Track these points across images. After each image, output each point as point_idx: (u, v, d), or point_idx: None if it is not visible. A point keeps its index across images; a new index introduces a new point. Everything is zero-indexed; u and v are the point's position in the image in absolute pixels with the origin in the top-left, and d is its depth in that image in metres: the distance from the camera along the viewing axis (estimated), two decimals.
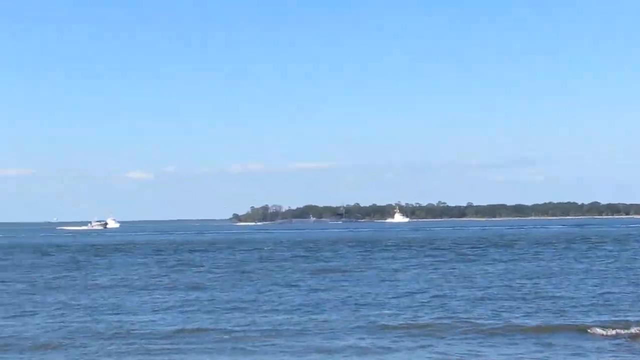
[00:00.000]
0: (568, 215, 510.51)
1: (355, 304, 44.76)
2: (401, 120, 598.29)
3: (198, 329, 36.46)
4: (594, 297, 46.17)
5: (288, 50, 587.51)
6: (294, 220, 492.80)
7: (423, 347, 31.89)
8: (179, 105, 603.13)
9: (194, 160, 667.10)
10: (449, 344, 32.36)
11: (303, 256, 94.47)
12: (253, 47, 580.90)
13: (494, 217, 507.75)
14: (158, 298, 49.91)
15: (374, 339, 33.29)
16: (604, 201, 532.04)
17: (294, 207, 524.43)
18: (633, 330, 33.49)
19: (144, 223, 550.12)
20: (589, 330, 34.31)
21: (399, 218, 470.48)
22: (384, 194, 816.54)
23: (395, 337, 34.02)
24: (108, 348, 32.31)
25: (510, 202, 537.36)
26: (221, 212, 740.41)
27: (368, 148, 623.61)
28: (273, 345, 32.40)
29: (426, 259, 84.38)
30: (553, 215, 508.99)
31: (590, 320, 37.30)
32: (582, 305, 42.51)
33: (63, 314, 43.00)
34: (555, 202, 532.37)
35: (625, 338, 32.49)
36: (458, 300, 45.67)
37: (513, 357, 29.79)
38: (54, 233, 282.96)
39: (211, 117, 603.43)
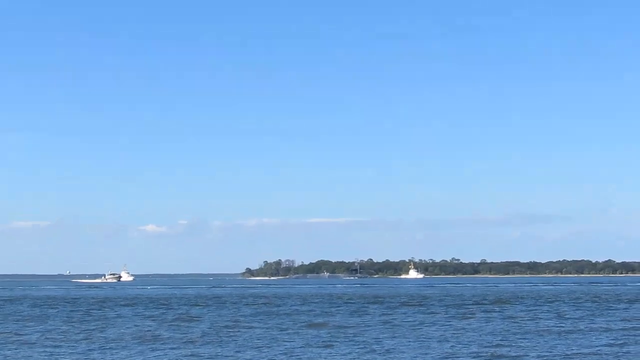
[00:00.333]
0: (582, 273, 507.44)
1: None
2: (415, 177, 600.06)
3: None
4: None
5: (306, 106, 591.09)
6: (308, 275, 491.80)
7: None
8: (193, 158, 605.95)
9: (208, 213, 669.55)
10: None
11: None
12: (272, 100, 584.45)
13: (508, 274, 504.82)
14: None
15: None
16: (618, 259, 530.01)
17: (306, 262, 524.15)
18: None
19: (157, 277, 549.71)
20: None
21: (413, 274, 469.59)
22: (396, 250, 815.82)
23: None
24: None
25: (524, 259, 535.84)
26: (234, 266, 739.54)
27: (381, 204, 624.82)
28: None
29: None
30: (567, 273, 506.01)
31: None
32: None
33: None
34: (569, 259, 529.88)
35: None
36: None
37: None
38: (67, 285, 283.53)
39: (227, 171, 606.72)
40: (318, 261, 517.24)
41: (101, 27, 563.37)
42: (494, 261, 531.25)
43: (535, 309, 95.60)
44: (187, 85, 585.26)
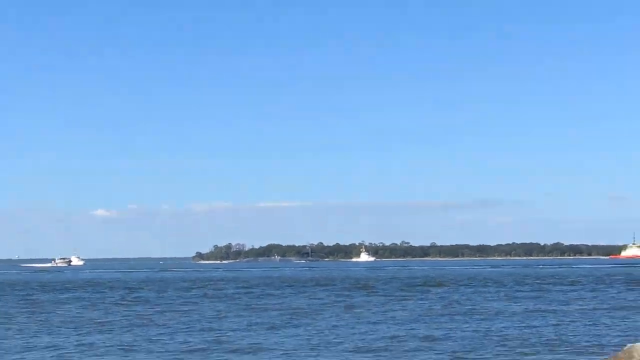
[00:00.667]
0: (531, 255, 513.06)
1: None
2: (364, 162, 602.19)
3: None
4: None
5: (255, 89, 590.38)
6: (259, 259, 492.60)
7: None
8: (143, 143, 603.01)
9: (157, 198, 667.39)
10: None
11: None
12: (218, 80, 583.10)
13: (457, 257, 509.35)
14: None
15: None
16: (566, 242, 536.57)
17: (257, 246, 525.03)
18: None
19: (107, 261, 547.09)
20: None
21: (365, 257, 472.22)
22: (347, 234, 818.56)
23: None
24: None
25: (474, 242, 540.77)
26: (184, 250, 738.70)
27: (331, 188, 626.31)
28: None
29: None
30: (516, 256, 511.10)
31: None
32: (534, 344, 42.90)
33: None
34: (518, 242, 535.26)
35: None
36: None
37: None
38: (17, 270, 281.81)
39: (175, 155, 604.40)
40: (268, 245, 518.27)
41: None
42: (443, 244, 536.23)
43: (470, 291, 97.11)
44: (135, 64, 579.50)
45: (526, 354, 39.64)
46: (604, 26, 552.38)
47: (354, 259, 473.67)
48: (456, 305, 71.84)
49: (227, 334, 48.65)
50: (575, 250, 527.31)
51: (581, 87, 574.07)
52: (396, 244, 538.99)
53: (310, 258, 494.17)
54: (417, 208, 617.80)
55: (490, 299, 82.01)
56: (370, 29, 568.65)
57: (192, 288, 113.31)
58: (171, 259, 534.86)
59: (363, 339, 45.49)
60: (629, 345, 32.73)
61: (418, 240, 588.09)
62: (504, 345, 42.30)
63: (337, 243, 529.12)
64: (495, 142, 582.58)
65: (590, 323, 54.47)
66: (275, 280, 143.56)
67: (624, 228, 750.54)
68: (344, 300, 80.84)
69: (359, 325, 53.86)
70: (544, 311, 64.24)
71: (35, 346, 44.84)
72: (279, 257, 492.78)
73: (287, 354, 40.14)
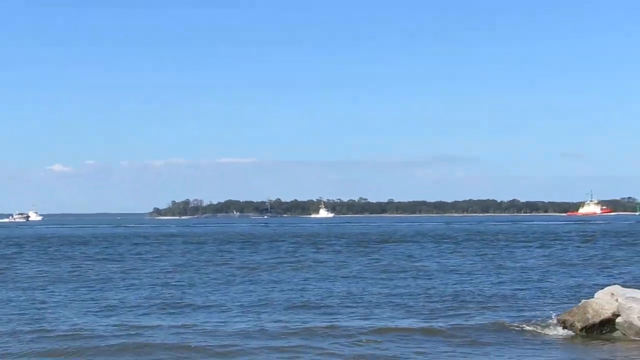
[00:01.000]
0: (488, 212, 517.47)
1: None
2: (322, 117, 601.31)
3: None
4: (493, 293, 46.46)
5: (213, 45, 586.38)
6: (218, 214, 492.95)
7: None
8: (98, 97, 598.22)
9: (115, 153, 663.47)
10: None
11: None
12: (175, 34, 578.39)
13: (414, 213, 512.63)
14: None
15: None
16: (523, 199, 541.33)
17: (215, 202, 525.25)
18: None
19: (65, 216, 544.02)
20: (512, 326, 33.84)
21: (324, 213, 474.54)
22: (304, 190, 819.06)
23: None
24: None
25: (431, 199, 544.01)
26: (142, 206, 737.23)
27: (289, 145, 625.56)
28: None
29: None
30: (473, 212, 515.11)
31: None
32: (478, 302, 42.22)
33: None
34: (475, 199, 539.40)
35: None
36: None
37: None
38: None
39: (133, 110, 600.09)
40: (226, 201, 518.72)
41: None
42: (401, 201, 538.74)
43: (415, 247, 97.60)
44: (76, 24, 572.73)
45: (470, 309, 39.14)
46: None
47: (313, 215, 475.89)
48: (400, 262, 71.75)
49: (177, 291, 48.24)
50: (532, 207, 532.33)
51: (536, 46, 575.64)
52: (354, 200, 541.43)
53: (269, 214, 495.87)
54: (375, 165, 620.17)
55: (435, 255, 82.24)
56: None
57: (144, 244, 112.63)
58: (129, 214, 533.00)
59: (302, 296, 45.29)
60: (583, 301, 32.88)
61: (376, 196, 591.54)
62: (444, 302, 42.06)
63: (295, 199, 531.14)
64: (454, 98, 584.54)
65: (542, 279, 54.21)
66: (232, 236, 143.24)
67: (581, 186, 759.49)
68: (293, 256, 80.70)
69: (304, 282, 53.72)
70: (492, 268, 64.15)
71: None
72: (238, 213, 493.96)
73: (230, 309, 39.79)
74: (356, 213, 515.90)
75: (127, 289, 49.47)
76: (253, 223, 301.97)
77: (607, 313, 31.34)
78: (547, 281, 52.85)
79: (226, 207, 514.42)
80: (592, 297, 32.65)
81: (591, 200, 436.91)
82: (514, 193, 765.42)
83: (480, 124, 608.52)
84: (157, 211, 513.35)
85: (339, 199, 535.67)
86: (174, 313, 39.00)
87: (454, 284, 50.66)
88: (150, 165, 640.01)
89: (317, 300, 43.29)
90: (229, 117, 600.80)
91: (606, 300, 31.66)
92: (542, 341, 30.99)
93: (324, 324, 34.66)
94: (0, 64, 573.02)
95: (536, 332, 32.68)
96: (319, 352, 29.32)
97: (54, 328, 34.22)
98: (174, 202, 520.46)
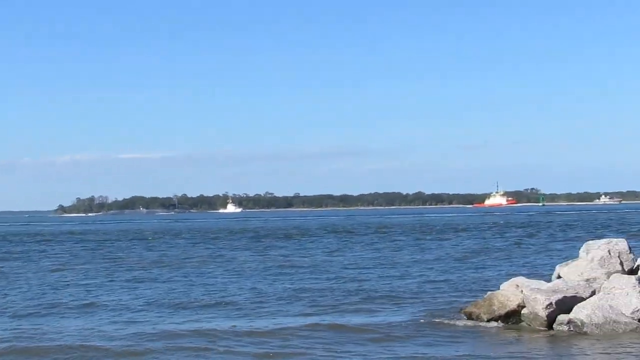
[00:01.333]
0: (393, 205, 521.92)
1: None
2: (227, 112, 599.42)
3: None
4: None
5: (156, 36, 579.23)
6: (125, 211, 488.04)
7: None
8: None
9: (16, 150, 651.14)
10: None
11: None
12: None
13: (321, 207, 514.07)
14: None
15: None
16: (428, 191, 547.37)
17: (120, 199, 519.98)
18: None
19: None
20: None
21: (232, 208, 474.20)
22: (209, 185, 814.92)
23: None
24: None
25: (337, 192, 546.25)
26: (46, 204, 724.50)
27: (193, 139, 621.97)
28: None
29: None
30: (379, 205, 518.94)
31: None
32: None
33: None
34: (381, 192, 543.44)
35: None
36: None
37: None
38: None
39: (35, 105, 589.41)
40: (132, 197, 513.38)
41: None
42: (307, 194, 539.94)
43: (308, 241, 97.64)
44: None
45: (377, 304, 38.92)
46: None
47: (221, 210, 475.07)
48: (302, 258, 70.95)
49: (68, 290, 46.96)
50: (437, 199, 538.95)
51: (440, 37, 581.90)
52: (260, 195, 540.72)
53: (176, 210, 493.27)
54: (280, 158, 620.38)
55: (332, 249, 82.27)
56: None
57: (40, 242, 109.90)
58: (34, 212, 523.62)
59: (207, 295, 44.56)
60: (489, 293, 32.97)
61: (282, 191, 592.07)
62: (349, 297, 41.67)
63: (201, 194, 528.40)
64: (355, 90, 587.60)
65: (448, 271, 54.21)
66: (132, 234, 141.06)
67: (485, 177, 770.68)
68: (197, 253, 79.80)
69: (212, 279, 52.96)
70: (396, 262, 63.86)
71: None
72: (145, 210, 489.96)
73: (122, 310, 38.76)
74: (263, 207, 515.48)
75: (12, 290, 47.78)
76: (160, 219, 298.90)
77: (512, 305, 31.45)
78: (453, 273, 52.81)
79: (132, 203, 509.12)
80: (498, 289, 32.73)
81: (497, 192, 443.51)
82: (419, 185, 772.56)
83: (386, 117, 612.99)
84: (62, 208, 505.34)
85: (245, 194, 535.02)
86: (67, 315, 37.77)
87: (360, 280, 50.08)
88: (53, 161, 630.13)
89: (221, 298, 42.58)
90: (132, 111, 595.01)
91: (511, 292, 31.76)
92: (449, 334, 30.86)
93: (229, 323, 34.03)
94: None
95: (443, 324, 32.54)
96: (223, 351, 28.71)
97: None
98: (78, 199, 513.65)
